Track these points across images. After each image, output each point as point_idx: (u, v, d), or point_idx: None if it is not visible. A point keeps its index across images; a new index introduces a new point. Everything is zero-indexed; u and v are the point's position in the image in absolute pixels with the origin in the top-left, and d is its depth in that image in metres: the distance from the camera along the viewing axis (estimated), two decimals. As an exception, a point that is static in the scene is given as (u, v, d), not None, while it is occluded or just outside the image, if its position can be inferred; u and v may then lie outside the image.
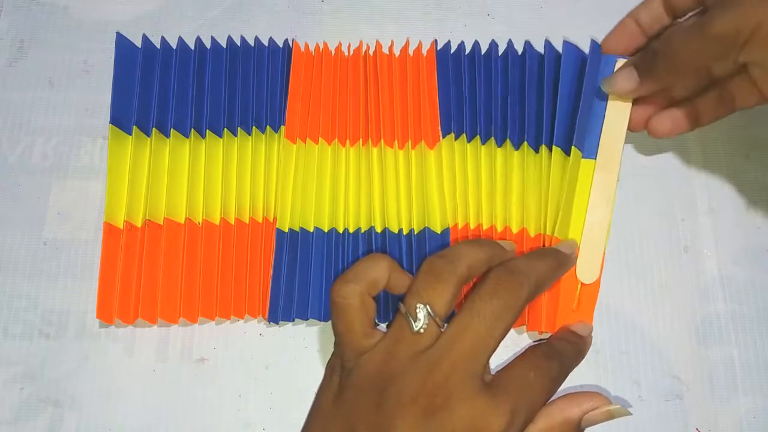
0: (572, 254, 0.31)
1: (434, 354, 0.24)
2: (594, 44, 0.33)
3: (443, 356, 0.24)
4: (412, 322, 0.25)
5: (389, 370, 0.24)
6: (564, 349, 0.27)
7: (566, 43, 0.33)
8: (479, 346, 0.24)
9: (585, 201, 0.32)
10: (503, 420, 0.23)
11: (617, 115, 0.33)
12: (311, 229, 0.33)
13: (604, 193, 0.32)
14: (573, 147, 0.32)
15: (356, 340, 0.26)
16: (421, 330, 0.25)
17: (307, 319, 0.32)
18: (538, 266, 0.27)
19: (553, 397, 0.26)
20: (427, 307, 0.25)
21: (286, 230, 0.32)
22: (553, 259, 0.29)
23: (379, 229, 0.33)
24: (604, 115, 0.33)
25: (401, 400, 0.23)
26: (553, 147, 0.33)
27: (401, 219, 0.32)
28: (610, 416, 0.26)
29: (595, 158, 0.32)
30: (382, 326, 0.30)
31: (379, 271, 0.27)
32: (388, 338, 0.25)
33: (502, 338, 0.25)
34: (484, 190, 0.33)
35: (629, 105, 0.32)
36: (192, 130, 0.34)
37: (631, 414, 0.26)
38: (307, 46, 0.36)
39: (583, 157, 0.32)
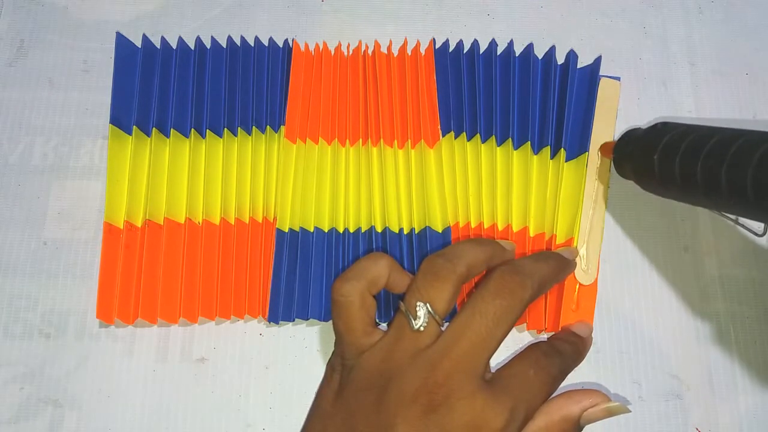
0: (573, 260, 0.31)
1: (435, 352, 0.24)
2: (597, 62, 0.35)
3: (444, 355, 0.24)
4: (412, 320, 0.25)
5: (389, 368, 0.24)
6: (564, 348, 0.27)
7: (572, 52, 0.34)
8: (480, 345, 0.24)
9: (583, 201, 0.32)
10: (503, 418, 0.23)
11: (604, 123, 0.33)
12: (311, 229, 0.33)
13: (597, 198, 0.32)
14: (566, 147, 0.32)
15: (356, 338, 0.26)
16: (421, 328, 0.25)
17: (307, 319, 0.32)
18: (541, 268, 0.27)
19: (553, 395, 0.26)
20: (427, 305, 0.25)
21: (286, 230, 0.32)
22: (556, 263, 0.29)
23: (379, 229, 0.33)
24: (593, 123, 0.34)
25: (402, 398, 0.23)
26: (554, 148, 0.33)
27: (402, 218, 0.32)
28: (610, 413, 0.26)
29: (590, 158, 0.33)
30: (383, 325, 0.30)
31: (379, 270, 0.27)
32: (389, 336, 0.25)
33: (503, 338, 0.25)
34: (484, 189, 0.33)
35: (615, 112, 0.34)
36: (192, 130, 0.34)
37: (630, 411, 0.26)
38: (307, 46, 0.36)
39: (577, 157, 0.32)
